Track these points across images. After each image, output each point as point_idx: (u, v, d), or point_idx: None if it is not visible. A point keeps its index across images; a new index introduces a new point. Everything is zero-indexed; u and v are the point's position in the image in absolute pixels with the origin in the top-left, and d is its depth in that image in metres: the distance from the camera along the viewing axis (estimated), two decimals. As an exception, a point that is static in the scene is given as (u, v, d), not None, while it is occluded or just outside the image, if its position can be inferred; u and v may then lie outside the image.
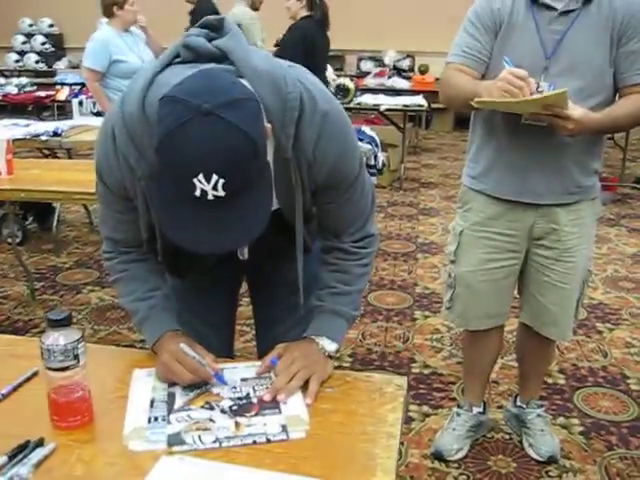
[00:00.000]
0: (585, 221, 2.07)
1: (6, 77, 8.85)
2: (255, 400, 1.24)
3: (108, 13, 4.59)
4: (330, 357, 1.39)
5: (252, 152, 1.03)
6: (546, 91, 1.80)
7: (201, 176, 1.00)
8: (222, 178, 1.00)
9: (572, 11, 1.86)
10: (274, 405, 1.22)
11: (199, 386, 1.28)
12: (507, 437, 2.49)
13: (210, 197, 1.03)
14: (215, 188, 1.01)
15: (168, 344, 1.32)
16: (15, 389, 1.28)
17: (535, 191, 2.00)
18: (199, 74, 1.09)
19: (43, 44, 10.34)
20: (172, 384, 1.29)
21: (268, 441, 1.13)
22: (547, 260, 2.09)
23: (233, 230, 1.08)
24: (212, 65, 1.17)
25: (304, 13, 4.85)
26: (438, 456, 2.37)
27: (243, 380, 1.31)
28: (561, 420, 2.60)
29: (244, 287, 1.84)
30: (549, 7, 1.87)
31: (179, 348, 1.29)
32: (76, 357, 1.14)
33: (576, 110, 1.76)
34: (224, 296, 1.75)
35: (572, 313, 2.16)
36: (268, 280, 1.68)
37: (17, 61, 10.20)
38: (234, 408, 1.21)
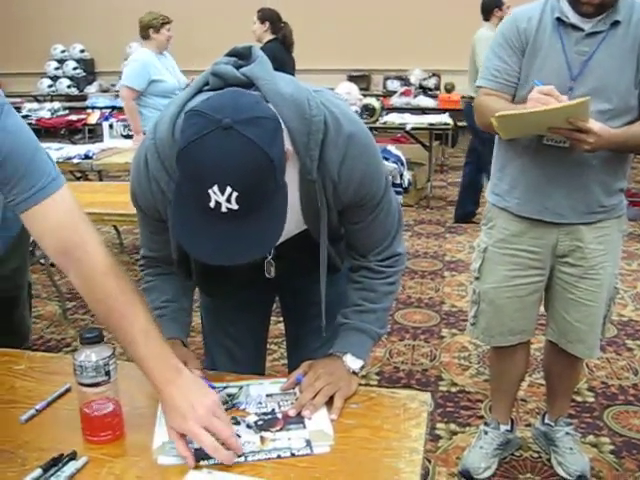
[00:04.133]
0: (611, 238, 2.07)
1: (39, 102, 9.05)
2: (280, 415, 1.26)
3: (145, 35, 4.86)
4: (355, 374, 1.41)
5: (267, 169, 1.05)
6: (565, 100, 1.80)
7: (216, 187, 1.03)
8: (236, 191, 1.03)
9: (599, 32, 1.86)
10: (299, 420, 1.24)
11: (225, 401, 1.30)
12: (536, 455, 2.48)
13: (224, 209, 1.05)
14: (229, 200, 1.04)
15: None
16: (49, 404, 1.32)
17: (558, 211, 2.01)
18: (226, 92, 1.14)
19: (75, 69, 10.58)
20: None
21: (293, 455, 1.15)
22: (572, 277, 2.09)
23: (243, 244, 1.10)
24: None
25: (269, 37, 5.12)
26: (466, 475, 2.36)
27: (269, 396, 1.33)
28: (591, 438, 2.57)
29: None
30: (576, 27, 1.88)
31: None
32: (107, 373, 1.18)
33: (595, 124, 1.78)
34: (256, 316, 1.78)
35: (599, 330, 2.15)
36: (299, 299, 1.70)
37: (50, 86, 10.44)
38: (259, 423, 1.24)
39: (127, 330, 1.22)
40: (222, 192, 1.03)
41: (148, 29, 4.84)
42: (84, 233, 1.27)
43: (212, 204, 1.05)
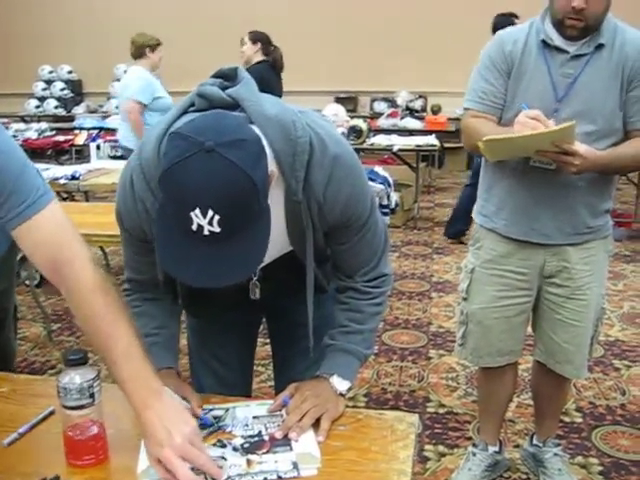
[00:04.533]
0: (597, 258, 2.08)
1: (27, 122, 9.03)
2: (267, 438, 1.25)
3: (140, 54, 5.05)
4: (342, 395, 1.40)
5: (250, 192, 1.05)
6: (552, 124, 1.81)
7: (197, 210, 1.03)
8: (217, 214, 1.03)
9: (584, 55, 1.89)
10: (285, 442, 1.23)
11: (211, 424, 1.29)
12: (524, 477, 2.46)
13: (206, 232, 1.05)
14: (211, 223, 1.04)
15: None
16: (32, 428, 1.30)
17: (544, 232, 2.02)
18: (209, 114, 1.14)
19: (62, 90, 10.56)
20: None
21: (279, 478, 1.14)
22: (559, 298, 2.09)
23: (226, 267, 1.10)
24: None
25: (259, 58, 5.18)
26: (454, 497, 2.34)
27: (255, 418, 1.32)
28: (579, 459, 2.56)
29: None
30: (561, 50, 1.90)
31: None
32: (92, 396, 1.17)
33: (581, 146, 1.79)
34: (243, 337, 1.77)
35: (586, 351, 2.15)
36: (285, 320, 1.70)
37: (37, 107, 10.41)
38: (246, 446, 1.22)
39: (111, 350, 1.21)
40: (204, 215, 1.03)
41: (145, 48, 5.02)
42: (72, 250, 1.28)
43: (194, 227, 1.05)
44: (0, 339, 1.87)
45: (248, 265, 1.14)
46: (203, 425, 1.28)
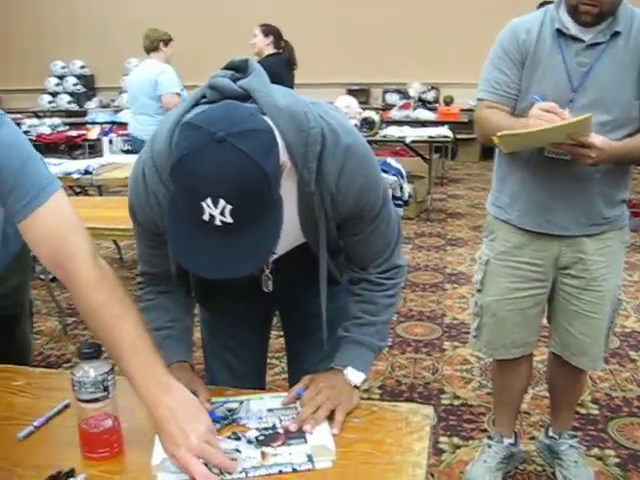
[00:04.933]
0: (613, 249, 2.06)
1: (40, 118, 9.07)
2: (281, 430, 1.24)
3: (154, 48, 5.18)
4: (357, 388, 1.39)
5: (262, 182, 1.05)
6: (567, 116, 1.79)
7: (209, 200, 1.02)
8: (229, 204, 1.03)
9: (600, 44, 1.86)
10: (300, 435, 1.23)
11: (225, 417, 1.29)
12: (540, 469, 2.45)
13: (218, 222, 1.05)
14: (222, 214, 1.03)
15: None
16: (47, 421, 1.31)
17: (559, 224, 2.00)
18: (221, 105, 1.14)
19: (75, 85, 10.60)
20: None
21: (294, 471, 1.14)
22: (575, 289, 2.07)
23: (238, 257, 1.10)
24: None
25: (270, 50, 5.16)
26: (470, 489, 2.34)
27: (269, 411, 1.32)
28: (595, 451, 2.55)
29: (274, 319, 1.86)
30: (576, 39, 1.87)
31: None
32: (106, 389, 1.17)
33: (597, 138, 1.77)
34: (256, 330, 1.77)
35: (602, 342, 2.13)
36: (299, 313, 1.69)
37: (50, 102, 10.46)
38: (260, 438, 1.22)
39: (116, 345, 1.20)
40: (215, 205, 1.03)
41: (159, 42, 5.15)
42: (74, 244, 1.27)
43: (206, 217, 1.04)
44: (16, 335, 1.88)
45: (260, 256, 1.14)
46: (212, 420, 1.28)
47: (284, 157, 1.16)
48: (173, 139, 1.19)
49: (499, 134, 1.82)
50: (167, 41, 5.22)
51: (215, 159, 1.02)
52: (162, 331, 1.43)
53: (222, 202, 1.02)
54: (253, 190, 1.05)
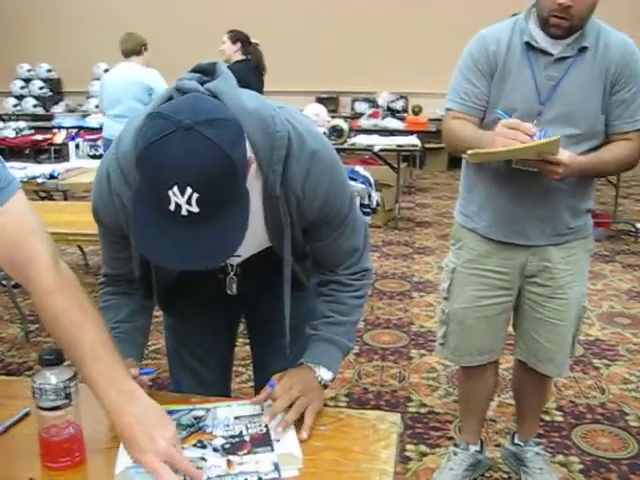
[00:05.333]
0: (578, 258, 2.08)
1: (4, 121, 8.93)
2: (248, 438, 1.23)
3: (137, 51, 5.24)
4: (325, 386, 1.38)
5: (229, 170, 1.04)
6: (537, 137, 1.80)
7: (175, 188, 1.01)
8: (196, 192, 1.02)
9: (567, 58, 1.88)
10: (266, 443, 1.21)
11: (191, 424, 1.27)
12: (505, 476, 2.47)
13: (184, 212, 1.04)
14: (189, 202, 1.02)
15: None
16: (6, 430, 1.27)
17: (526, 234, 2.02)
18: (188, 96, 1.13)
19: (41, 88, 10.45)
20: None
21: (260, 479, 1.12)
22: (540, 297, 2.09)
23: (204, 249, 1.09)
24: None
25: (238, 57, 5.18)
26: (436, 496, 2.34)
27: (236, 418, 1.30)
28: (560, 458, 2.57)
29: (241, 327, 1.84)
30: (545, 52, 1.89)
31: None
32: (68, 396, 1.14)
33: (564, 154, 1.79)
34: (221, 336, 1.75)
35: (567, 349, 2.15)
36: (263, 318, 1.68)
37: (15, 105, 10.29)
38: (226, 446, 1.20)
39: (77, 351, 1.18)
40: (182, 193, 1.02)
41: (142, 46, 5.21)
42: (34, 249, 1.22)
43: (172, 206, 1.03)
44: None
45: (226, 248, 1.12)
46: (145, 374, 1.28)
47: (250, 153, 1.16)
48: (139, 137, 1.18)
49: (469, 153, 1.84)
50: (146, 45, 5.29)
51: (182, 147, 1.01)
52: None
53: (189, 190, 1.01)
54: (220, 178, 1.04)
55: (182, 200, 1.02)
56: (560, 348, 2.13)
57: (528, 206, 1.98)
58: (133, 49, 5.18)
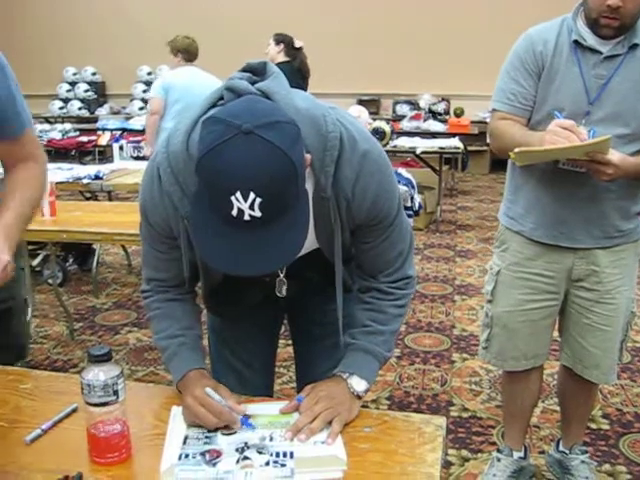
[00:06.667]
0: (627, 262, 2.03)
1: (51, 123, 9.11)
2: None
3: (196, 56, 5.20)
4: (359, 397, 1.36)
5: (290, 173, 1.04)
6: (585, 136, 1.76)
7: (238, 194, 1.01)
8: (259, 197, 1.01)
9: (617, 56, 1.84)
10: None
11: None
12: (550, 484, 2.42)
13: (247, 217, 1.03)
14: (252, 207, 1.02)
15: (192, 387, 1.31)
16: (55, 425, 1.29)
17: (573, 236, 1.98)
18: (242, 99, 1.13)
19: (86, 91, 10.67)
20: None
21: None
22: (587, 302, 2.05)
23: (267, 253, 1.08)
24: None
25: (282, 59, 5.16)
26: (478, 502, 2.31)
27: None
28: (607, 467, 2.51)
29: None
30: (594, 50, 1.86)
31: (204, 392, 1.27)
32: (116, 393, 1.15)
33: (614, 155, 1.75)
34: (265, 338, 1.75)
35: (615, 356, 2.11)
36: (308, 320, 1.68)
37: (61, 108, 10.52)
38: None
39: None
40: (245, 199, 1.01)
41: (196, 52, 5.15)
42: (35, 157, 1.66)
43: (234, 212, 1.03)
44: (9, 330, 1.86)
45: (288, 251, 1.11)
46: (245, 425, 1.26)
47: (306, 154, 1.15)
48: (191, 140, 1.18)
49: (516, 150, 1.80)
50: None
51: (243, 151, 1.01)
52: (175, 339, 1.41)
53: (252, 195, 1.01)
54: (282, 181, 1.03)
55: (245, 205, 1.02)
56: (607, 354, 2.08)
57: (576, 207, 1.95)
58: (196, 53, 5.17)
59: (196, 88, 4.96)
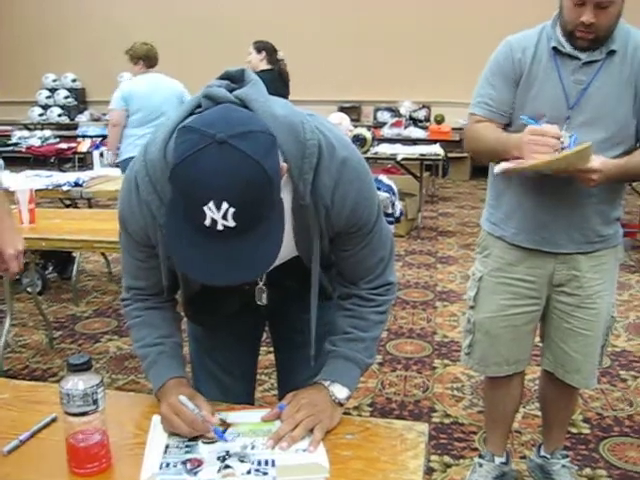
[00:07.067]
0: (607, 267, 2.05)
1: (30, 130, 9.03)
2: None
3: (156, 62, 5.12)
4: (341, 404, 1.36)
5: (264, 183, 1.03)
6: (566, 141, 1.79)
7: (211, 203, 1.00)
8: (232, 207, 1.01)
9: (596, 61, 1.86)
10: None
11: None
12: (531, 489, 2.43)
13: (220, 227, 1.03)
14: (225, 217, 1.02)
15: (168, 394, 1.31)
16: (33, 435, 1.27)
17: (555, 241, 1.99)
18: (218, 108, 1.12)
19: (66, 98, 10.59)
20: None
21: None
22: (569, 307, 2.06)
23: (241, 263, 1.08)
24: None
25: (264, 66, 5.19)
26: (461, 508, 2.31)
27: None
28: (587, 471, 2.52)
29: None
30: (572, 57, 1.88)
31: (178, 400, 1.27)
32: (95, 402, 1.14)
33: (595, 161, 1.77)
34: (246, 345, 1.74)
35: (596, 360, 2.12)
36: (289, 328, 1.67)
37: (41, 115, 10.43)
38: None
39: None
40: (218, 208, 1.01)
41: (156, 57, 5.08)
42: None
43: (207, 222, 1.02)
44: None
45: (263, 261, 1.11)
46: (218, 436, 1.24)
47: (282, 162, 1.15)
48: (167, 148, 1.17)
49: (498, 170, 1.85)
50: None
51: (216, 161, 1.01)
52: (154, 347, 1.40)
53: (225, 205, 1.00)
54: (256, 191, 1.03)
55: (218, 215, 1.01)
56: (588, 359, 2.10)
57: (557, 212, 1.96)
58: (156, 59, 5.11)
59: (156, 96, 4.97)
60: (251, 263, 1.09)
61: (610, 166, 1.80)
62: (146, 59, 5.05)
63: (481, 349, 2.17)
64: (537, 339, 2.22)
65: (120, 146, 5.12)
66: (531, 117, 1.86)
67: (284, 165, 1.15)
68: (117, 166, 5.05)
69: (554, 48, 1.89)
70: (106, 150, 5.37)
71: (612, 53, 1.85)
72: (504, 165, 1.84)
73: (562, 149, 1.77)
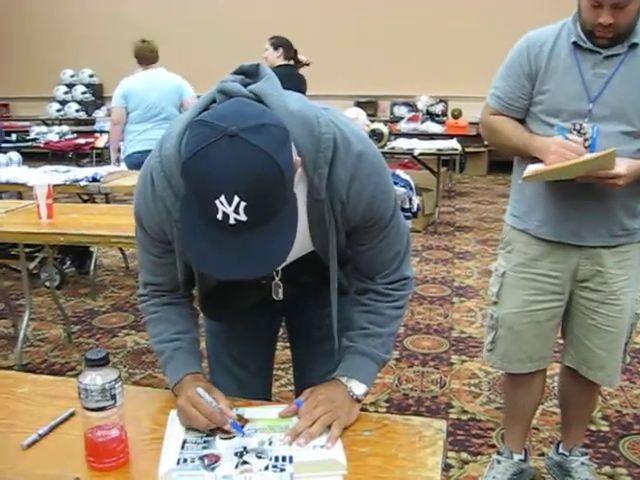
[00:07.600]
0: (632, 263, 2.02)
1: (48, 126, 9.09)
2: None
3: (157, 58, 5.16)
4: (358, 400, 1.35)
5: (276, 177, 1.02)
6: (589, 132, 1.80)
7: (222, 197, 1.00)
8: (244, 201, 1.00)
9: (617, 55, 1.84)
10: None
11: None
12: (550, 486, 2.41)
13: (232, 221, 1.02)
14: (237, 211, 1.01)
15: (186, 388, 1.31)
16: (52, 429, 1.28)
17: (579, 233, 1.97)
18: (231, 101, 1.11)
19: (83, 93, 10.65)
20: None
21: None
22: (592, 303, 2.04)
23: (254, 257, 1.07)
24: None
25: (281, 62, 5.16)
26: (479, 505, 2.29)
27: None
28: (607, 469, 2.50)
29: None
30: (593, 51, 1.86)
31: (196, 392, 1.27)
32: (113, 397, 1.14)
33: (622, 166, 1.76)
34: (263, 340, 1.74)
35: (620, 357, 2.10)
36: (306, 323, 1.66)
37: (59, 110, 10.50)
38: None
39: None
40: (229, 202, 1.00)
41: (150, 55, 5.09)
42: None
43: (220, 216, 1.02)
44: None
45: (276, 256, 1.10)
46: (235, 429, 1.24)
47: (296, 157, 1.14)
48: (182, 143, 1.17)
49: (524, 177, 1.87)
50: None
51: (227, 154, 1.00)
52: (171, 343, 1.40)
53: (236, 199, 1.00)
54: (267, 185, 1.02)
55: (229, 209, 1.01)
56: (612, 356, 2.08)
57: (581, 204, 1.94)
58: (155, 57, 5.11)
59: (153, 91, 4.99)
60: (264, 257, 1.08)
61: (634, 169, 1.79)
62: (137, 57, 5.12)
63: (504, 345, 2.15)
64: (557, 335, 2.19)
65: (123, 143, 5.14)
66: (563, 128, 1.85)
67: (298, 159, 1.14)
68: (118, 162, 5.11)
69: (574, 43, 1.87)
70: (111, 148, 5.41)
71: (634, 46, 1.83)
72: (529, 173, 1.86)
73: (585, 140, 1.78)
